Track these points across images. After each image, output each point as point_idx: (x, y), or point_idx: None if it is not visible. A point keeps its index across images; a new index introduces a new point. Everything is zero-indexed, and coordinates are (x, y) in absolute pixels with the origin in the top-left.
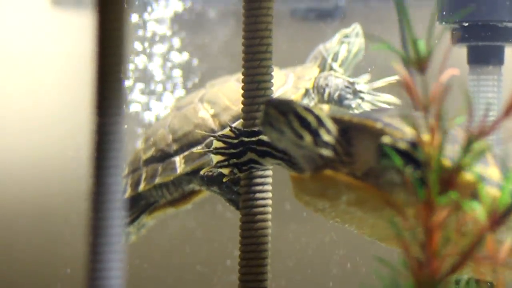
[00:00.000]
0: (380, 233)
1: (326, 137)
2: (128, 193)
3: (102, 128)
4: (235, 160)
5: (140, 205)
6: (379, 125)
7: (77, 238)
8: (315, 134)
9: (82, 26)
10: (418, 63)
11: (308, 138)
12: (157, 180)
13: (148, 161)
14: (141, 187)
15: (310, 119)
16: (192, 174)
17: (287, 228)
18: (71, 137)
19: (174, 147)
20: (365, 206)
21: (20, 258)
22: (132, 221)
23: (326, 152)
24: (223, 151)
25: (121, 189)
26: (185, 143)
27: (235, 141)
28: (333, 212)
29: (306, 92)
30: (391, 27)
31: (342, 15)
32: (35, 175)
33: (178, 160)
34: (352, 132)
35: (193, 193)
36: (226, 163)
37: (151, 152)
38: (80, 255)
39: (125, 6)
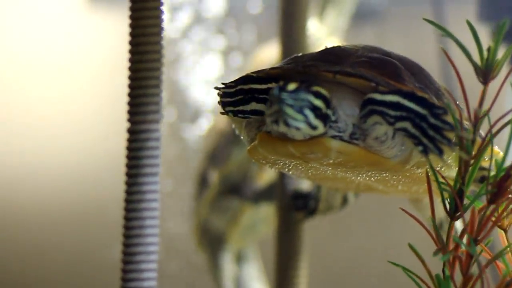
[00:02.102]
0: (339, 183)
1: (333, 117)
2: None
3: (138, 135)
4: (231, 108)
5: None
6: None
7: (112, 241)
8: (325, 119)
9: (119, 25)
10: (484, 74)
11: (321, 126)
12: None
13: None
14: None
15: (322, 105)
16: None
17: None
18: (106, 141)
19: None
20: (345, 166)
21: (54, 259)
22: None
23: (331, 131)
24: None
25: (157, 196)
26: None
27: (232, 90)
28: (294, 167)
29: None
30: (426, 29)
31: (379, 17)
32: (70, 178)
33: None
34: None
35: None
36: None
37: None
38: (116, 259)
39: (162, 10)
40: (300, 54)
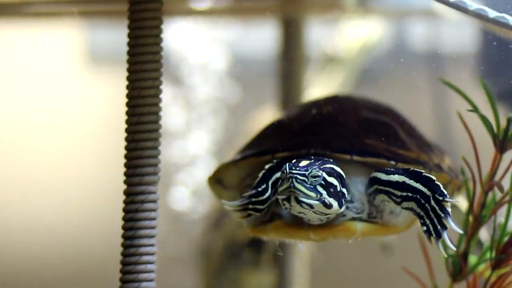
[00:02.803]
0: None
1: (348, 196)
2: None
3: (136, 196)
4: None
5: None
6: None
7: None
8: (340, 197)
9: (118, 85)
10: (502, 144)
11: (336, 205)
12: None
13: None
14: None
15: (336, 183)
16: None
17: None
18: (103, 200)
19: None
20: (353, 239)
21: None
22: None
23: (345, 210)
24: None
25: (154, 252)
26: None
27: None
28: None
29: None
30: (423, 92)
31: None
32: (66, 236)
33: None
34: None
35: None
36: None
37: None
38: None
39: (161, 71)
40: (287, 118)
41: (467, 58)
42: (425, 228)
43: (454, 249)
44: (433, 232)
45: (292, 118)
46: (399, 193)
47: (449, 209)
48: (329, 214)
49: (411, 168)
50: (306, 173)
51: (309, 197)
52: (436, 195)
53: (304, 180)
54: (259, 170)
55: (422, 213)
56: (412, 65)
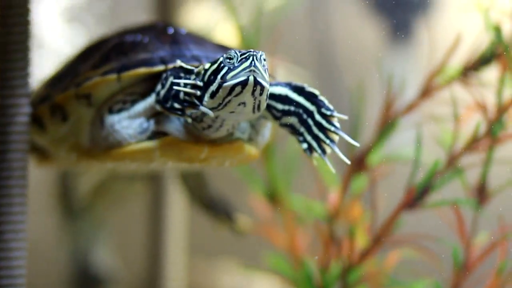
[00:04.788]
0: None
1: None
2: None
3: (5, 110)
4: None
5: None
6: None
7: None
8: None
9: None
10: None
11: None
12: None
13: None
14: None
15: None
16: None
17: None
18: None
19: None
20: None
21: None
22: None
23: (237, 133)
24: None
25: (25, 174)
26: None
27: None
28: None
29: None
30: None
31: None
32: None
33: None
34: None
35: None
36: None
37: None
38: None
39: None
40: (125, 39)
41: None
42: (306, 145)
43: (346, 160)
44: (317, 148)
45: (132, 39)
46: (280, 107)
47: (338, 124)
48: (258, 112)
49: (294, 82)
50: (258, 54)
51: (264, 78)
52: (323, 109)
53: (260, 61)
54: (134, 86)
55: (302, 130)
56: None
